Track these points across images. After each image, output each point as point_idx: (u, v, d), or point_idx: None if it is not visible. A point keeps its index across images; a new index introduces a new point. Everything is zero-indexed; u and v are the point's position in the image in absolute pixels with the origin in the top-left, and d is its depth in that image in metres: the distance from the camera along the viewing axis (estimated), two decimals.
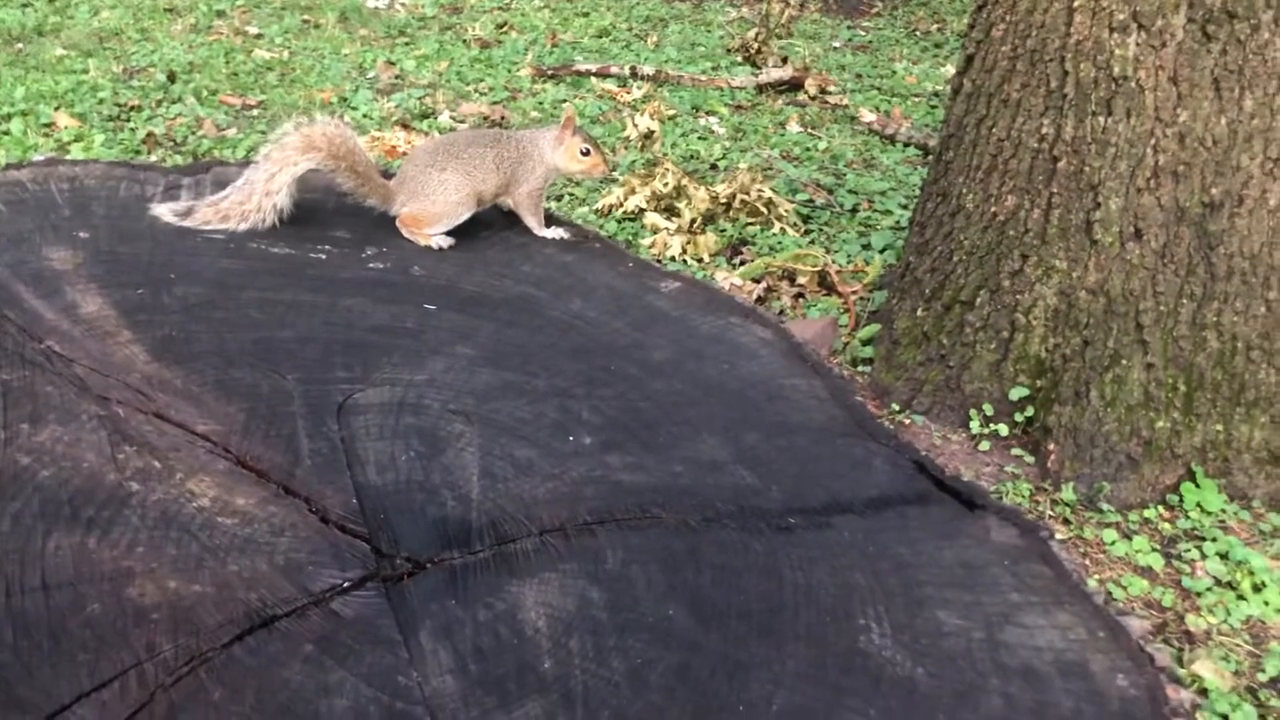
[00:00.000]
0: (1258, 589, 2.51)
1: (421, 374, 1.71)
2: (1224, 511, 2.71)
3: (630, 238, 3.99)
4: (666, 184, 4.10)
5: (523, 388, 1.71)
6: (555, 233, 2.24)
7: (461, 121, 5.14)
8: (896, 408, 3.05)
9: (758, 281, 3.76)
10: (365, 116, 5.09)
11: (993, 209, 2.93)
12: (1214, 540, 2.63)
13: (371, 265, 2.01)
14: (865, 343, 3.36)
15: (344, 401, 1.62)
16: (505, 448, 1.58)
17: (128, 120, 4.82)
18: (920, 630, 1.38)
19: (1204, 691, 2.28)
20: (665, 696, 1.24)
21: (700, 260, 3.91)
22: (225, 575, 1.31)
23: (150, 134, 4.62)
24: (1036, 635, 1.39)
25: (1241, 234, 2.66)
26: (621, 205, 4.12)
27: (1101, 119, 2.70)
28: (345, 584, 1.32)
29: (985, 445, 2.89)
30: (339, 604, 1.30)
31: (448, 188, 2.16)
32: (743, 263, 3.91)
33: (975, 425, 2.92)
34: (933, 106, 6.06)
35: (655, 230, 3.98)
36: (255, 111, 5.09)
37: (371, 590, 1.32)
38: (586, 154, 2.30)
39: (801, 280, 3.79)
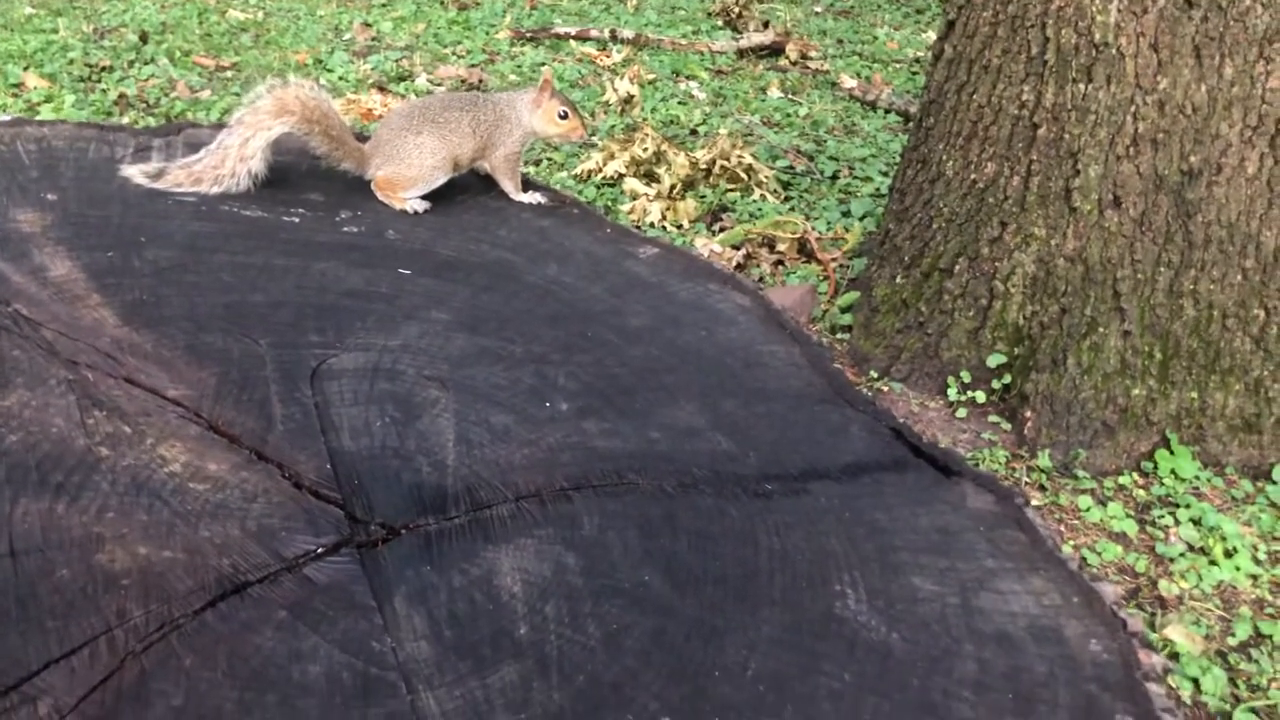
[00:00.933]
0: (1229, 554, 2.53)
1: (396, 339, 1.69)
2: (1198, 478, 2.73)
3: (609, 203, 3.97)
4: (646, 149, 4.08)
5: (499, 354, 1.70)
6: (532, 197, 2.22)
7: (439, 84, 5.09)
8: (875, 375, 3.05)
9: (737, 248, 3.75)
10: (341, 79, 5.03)
11: (972, 176, 2.93)
12: (1187, 507, 2.65)
13: (345, 229, 1.99)
14: (844, 310, 3.36)
15: (318, 367, 1.61)
16: (481, 414, 1.57)
17: (99, 81, 4.74)
18: (895, 596, 1.38)
19: (1175, 656, 2.31)
20: (640, 661, 1.24)
21: (680, 227, 3.89)
22: (197, 541, 1.29)
23: (122, 95, 4.55)
24: (1011, 601, 1.39)
25: (1219, 202, 2.66)
26: (600, 170, 4.09)
27: (1082, 86, 2.69)
28: (319, 550, 1.31)
29: (962, 412, 2.90)
30: (312, 570, 1.29)
31: (423, 151, 2.13)
32: (722, 229, 3.89)
33: (953, 392, 2.92)
34: (914, 73, 6.04)
35: (634, 196, 3.95)
36: (229, 73, 5.01)
37: (345, 556, 1.31)
38: (564, 117, 2.27)
39: (781, 247, 3.78)
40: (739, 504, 1.49)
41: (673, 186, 4.01)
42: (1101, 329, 2.76)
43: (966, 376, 2.93)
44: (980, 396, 2.91)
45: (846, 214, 4.08)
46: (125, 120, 4.26)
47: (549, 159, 4.32)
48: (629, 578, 1.34)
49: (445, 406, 1.57)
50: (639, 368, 1.73)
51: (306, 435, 1.48)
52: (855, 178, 4.43)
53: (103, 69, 4.86)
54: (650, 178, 4.07)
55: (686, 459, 1.56)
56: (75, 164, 2.06)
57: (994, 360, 2.89)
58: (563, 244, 2.04)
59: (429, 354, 1.67)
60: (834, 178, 4.41)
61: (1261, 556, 2.56)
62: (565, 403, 1.62)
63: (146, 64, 4.98)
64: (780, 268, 3.70)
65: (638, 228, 3.70)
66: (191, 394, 1.52)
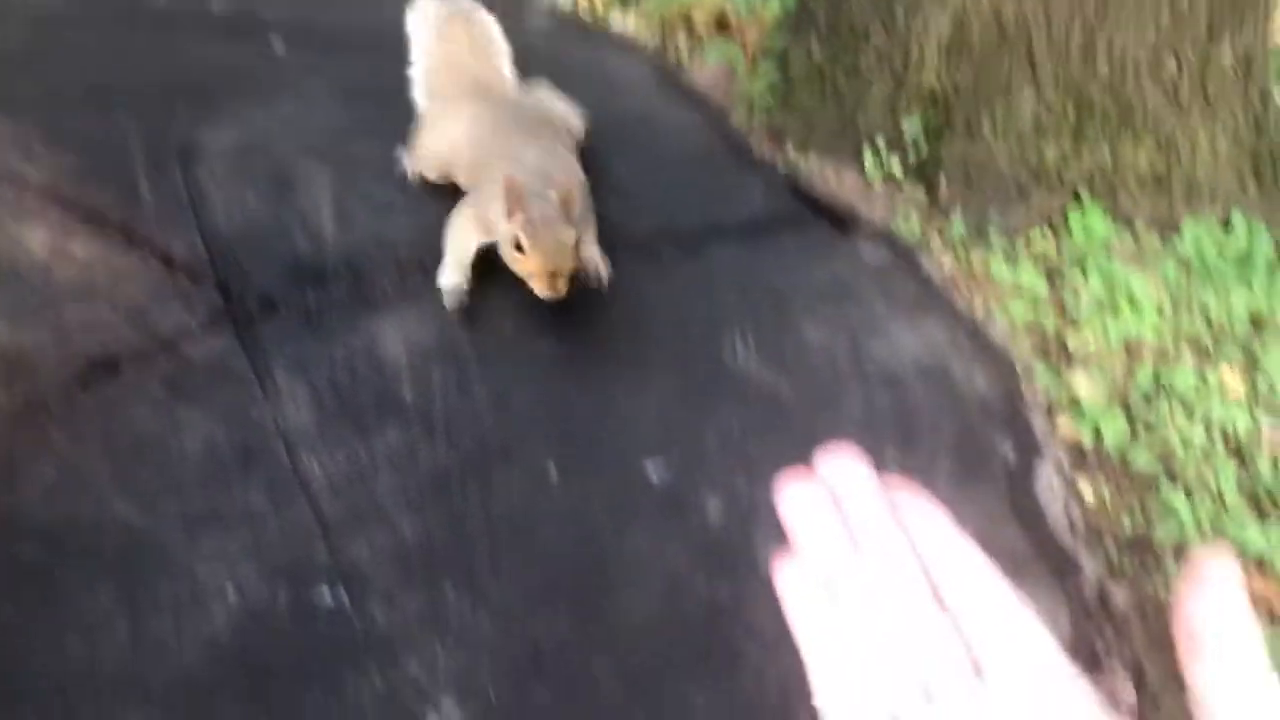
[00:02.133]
0: (1135, 307, 2.59)
1: (270, 114, 1.61)
2: (1108, 234, 2.75)
3: None
4: None
5: (378, 127, 1.62)
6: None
7: None
8: (792, 148, 3.00)
9: (654, 27, 3.61)
10: None
11: None
12: (1097, 263, 2.68)
13: (215, 4, 1.86)
14: (762, 86, 3.27)
15: (186, 145, 1.53)
16: (363, 186, 1.51)
17: None
18: (787, 346, 1.39)
19: (1079, 407, 2.38)
20: (528, 421, 1.24)
21: (595, 4, 3.73)
22: (65, 323, 1.25)
23: None
24: (900, 344, 1.40)
25: None
26: None
27: None
28: (194, 326, 1.28)
29: (879, 182, 2.88)
30: (187, 347, 1.25)
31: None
32: (641, 5, 3.74)
33: (869, 162, 2.89)
34: None
35: None
36: None
37: (222, 333, 1.28)
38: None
39: (699, 23, 3.64)
40: (631, 267, 1.47)
41: None
42: (1016, 90, 2.71)
43: (883, 145, 2.89)
44: (896, 165, 2.88)
45: None
46: None
47: None
48: (515, 340, 1.33)
49: (323, 180, 1.51)
50: None
51: (177, 214, 1.42)
52: None
53: None
54: None
55: None
56: None
57: (910, 127, 2.84)
58: None
59: (305, 128, 1.59)
60: None
61: (1166, 308, 2.61)
62: None
63: None
64: (698, 44, 3.58)
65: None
66: (53, 177, 1.44)
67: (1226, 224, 2.79)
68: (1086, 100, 2.71)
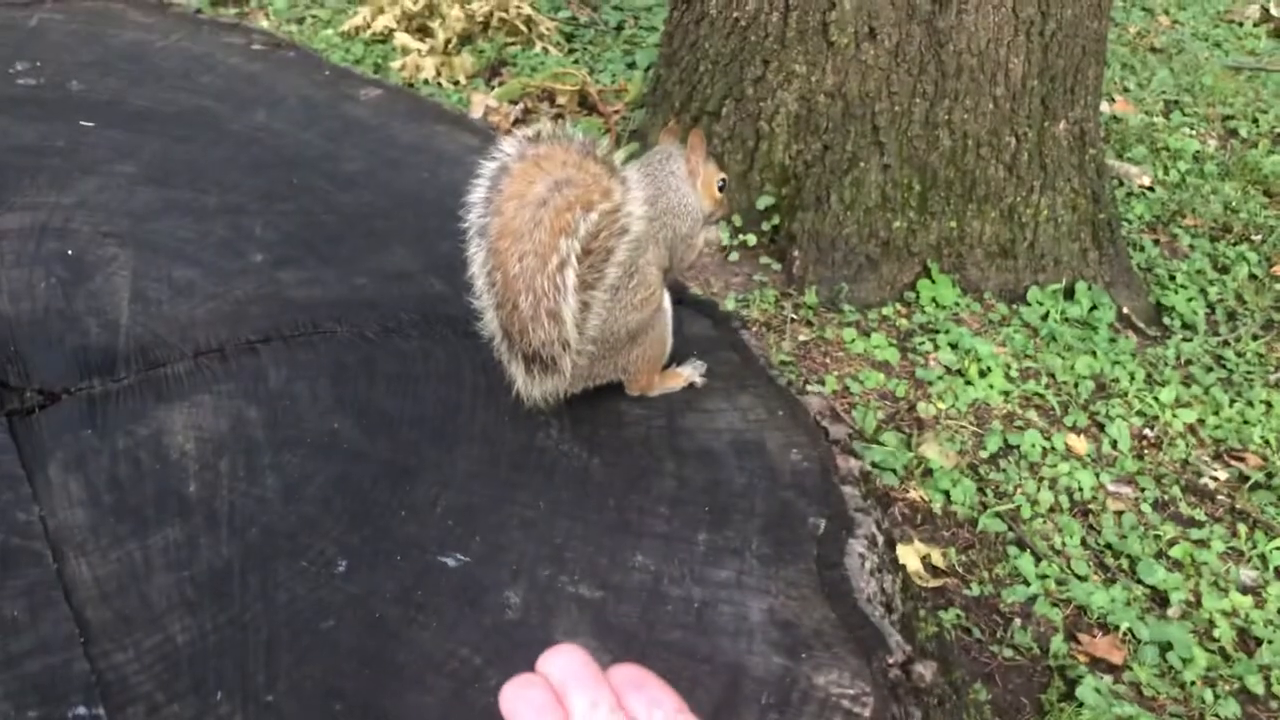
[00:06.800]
0: (984, 374, 2.64)
1: (71, 196, 1.54)
2: (958, 304, 2.82)
3: (379, 61, 3.77)
4: (417, 2, 3.87)
5: (189, 206, 1.57)
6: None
7: None
8: None
9: (515, 103, 3.62)
10: None
11: (734, 14, 2.87)
12: (946, 332, 2.74)
13: (21, 81, 1.80)
14: (624, 162, 3.30)
15: None
16: (163, 269, 1.45)
17: None
18: (601, 423, 1.36)
19: (929, 472, 2.40)
20: (320, 507, 1.18)
21: (457, 83, 3.74)
22: None
23: None
24: (717, 418, 1.39)
25: (969, 30, 2.68)
26: (369, 26, 3.88)
27: None
28: None
29: (735, 256, 2.91)
30: None
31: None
32: (501, 85, 3.76)
33: (725, 237, 2.92)
34: None
35: (406, 52, 3.76)
36: None
37: None
38: (723, 188, 1.54)
39: (561, 100, 3.67)
40: (446, 345, 1.43)
41: (448, 41, 3.84)
42: (863, 164, 2.78)
43: (738, 220, 2.93)
44: (751, 239, 2.91)
45: (631, 65, 3.99)
46: None
47: (313, 16, 4.06)
48: (316, 427, 1.28)
49: (123, 264, 1.45)
50: (349, 214, 1.63)
51: None
52: (641, 28, 4.32)
53: None
54: (424, 32, 3.88)
55: (393, 303, 1.49)
56: None
57: (762, 202, 2.89)
58: (274, 89, 1.90)
59: (108, 210, 1.53)
60: (619, 29, 4.30)
61: (1014, 374, 2.67)
62: (260, 254, 1.51)
63: None
64: (560, 121, 3.60)
65: (410, 85, 3.53)
66: None
67: (1070, 292, 2.88)
68: (930, 173, 2.78)
